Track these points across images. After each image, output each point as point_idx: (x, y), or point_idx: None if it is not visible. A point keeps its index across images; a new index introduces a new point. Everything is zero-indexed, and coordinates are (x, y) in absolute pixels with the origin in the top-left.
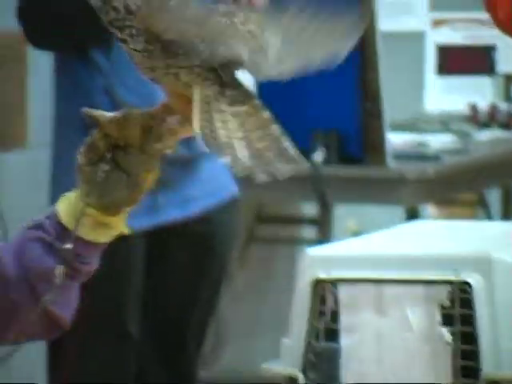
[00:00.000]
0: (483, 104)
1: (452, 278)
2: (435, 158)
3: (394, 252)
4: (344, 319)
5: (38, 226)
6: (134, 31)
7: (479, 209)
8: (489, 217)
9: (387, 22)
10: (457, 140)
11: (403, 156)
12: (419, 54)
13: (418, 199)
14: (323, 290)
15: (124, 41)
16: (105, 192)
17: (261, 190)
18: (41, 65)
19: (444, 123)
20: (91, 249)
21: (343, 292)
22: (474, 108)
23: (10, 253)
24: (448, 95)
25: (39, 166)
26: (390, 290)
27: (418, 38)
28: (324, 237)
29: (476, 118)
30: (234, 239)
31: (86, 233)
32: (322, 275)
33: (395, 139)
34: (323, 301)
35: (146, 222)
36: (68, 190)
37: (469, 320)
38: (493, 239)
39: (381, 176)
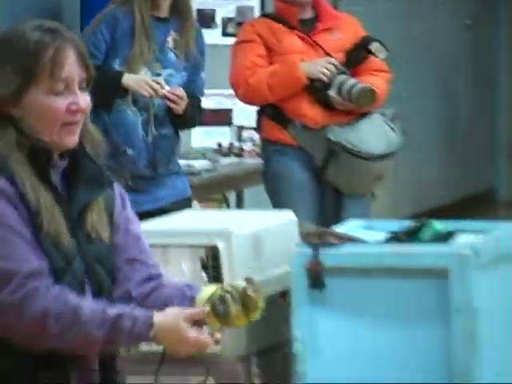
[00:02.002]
0: (226, 142)
1: (207, 243)
2: (198, 173)
3: (174, 227)
4: None
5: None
6: None
7: (223, 204)
8: (228, 208)
9: None
10: (210, 164)
11: None
12: None
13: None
14: None
15: None
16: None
17: None
18: None
19: (203, 153)
20: None
21: None
22: (220, 145)
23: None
24: (206, 137)
25: None
26: (173, 252)
27: None
28: None
29: (221, 151)
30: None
31: None
32: None
33: None
34: None
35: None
36: None
37: (218, 268)
38: (232, 220)
39: None
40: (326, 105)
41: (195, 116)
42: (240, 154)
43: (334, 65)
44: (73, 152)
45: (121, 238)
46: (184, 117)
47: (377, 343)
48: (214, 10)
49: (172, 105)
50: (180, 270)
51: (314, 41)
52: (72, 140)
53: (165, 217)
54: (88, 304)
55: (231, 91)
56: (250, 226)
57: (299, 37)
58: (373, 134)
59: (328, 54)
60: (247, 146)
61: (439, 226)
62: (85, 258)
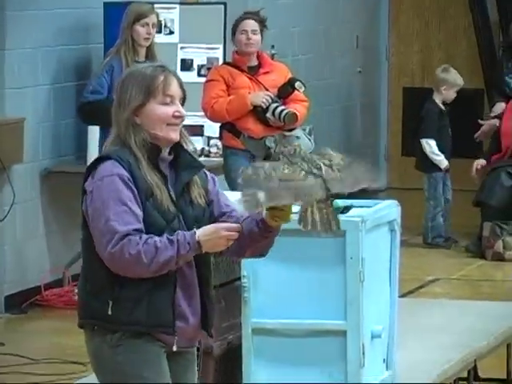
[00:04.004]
0: (199, 147)
1: None
2: None
3: None
4: None
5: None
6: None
7: None
8: None
9: None
10: None
11: None
12: None
13: None
14: None
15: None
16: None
17: None
18: None
19: None
20: None
21: None
22: (195, 149)
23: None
24: None
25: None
26: None
27: None
28: None
29: (196, 153)
30: None
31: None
32: None
33: None
34: None
35: None
36: None
37: None
38: None
39: None
40: (265, 123)
41: None
42: (208, 155)
43: (270, 96)
44: (175, 149)
45: (215, 204)
46: None
47: (297, 282)
48: (192, 59)
49: None
50: None
51: (258, 80)
52: (174, 136)
53: None
54: (160, 238)
55: (203, 113)
56: None
57: (248, 77)
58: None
59: (267, 89)
60: (213, 150)
61: (340, 202)
62: (185, 219)
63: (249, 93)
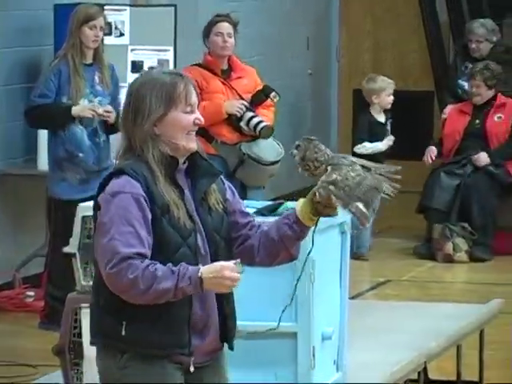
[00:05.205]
0: None
1: None
2: None
3: None
4: None
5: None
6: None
7: None
8: None
9: None
10: None
11: None
12: None
13: None
14: None
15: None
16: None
17: None
18: None
19: None
20: None
21: None
22: None
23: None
24: None
25: None
26: None
27: None
28: None
29: None
30: None
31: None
32: None
33: None
34: None
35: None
36: None
37: None
38: None
39: None
40: (239, 130)
41: None
42: None
43: (244, 105)
44: (190, 157)
45: (237, 213)
46: (115, 124)
47: (248, 284)
48: (143, 61)
49: (106, 118)
50: None
51: (231, 85)
52: (193, 145)
53: None
54: (162, 267)
55: None
56: None
57: (221, 81)
58: (267, 148)
59: (239, 95)
60: None
61: (290, 204)
62: (205, 227)
63: (224, 100)
